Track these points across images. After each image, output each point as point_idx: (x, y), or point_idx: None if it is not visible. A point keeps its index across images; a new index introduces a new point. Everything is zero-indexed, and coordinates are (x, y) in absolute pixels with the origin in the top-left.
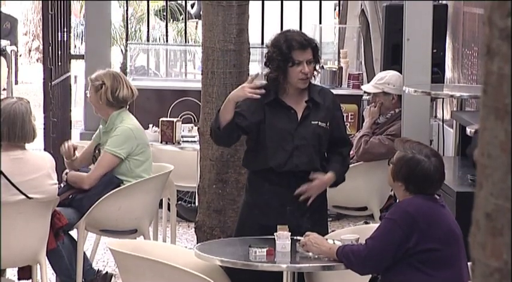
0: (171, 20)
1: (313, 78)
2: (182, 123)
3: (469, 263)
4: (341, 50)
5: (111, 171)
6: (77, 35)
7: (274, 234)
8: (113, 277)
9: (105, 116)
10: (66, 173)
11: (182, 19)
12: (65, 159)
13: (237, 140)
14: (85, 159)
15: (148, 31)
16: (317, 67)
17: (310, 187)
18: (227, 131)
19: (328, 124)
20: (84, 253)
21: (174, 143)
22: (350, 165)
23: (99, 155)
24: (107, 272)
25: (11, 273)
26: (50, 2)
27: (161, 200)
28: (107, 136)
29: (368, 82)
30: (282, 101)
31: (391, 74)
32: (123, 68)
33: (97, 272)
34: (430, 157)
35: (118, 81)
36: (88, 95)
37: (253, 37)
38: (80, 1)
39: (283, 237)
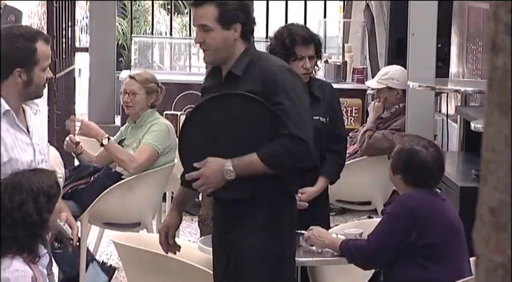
0: (175, 13)
1: (314, 72)
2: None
3: (471, 258)
4: (345, 45)
5: (107, 164)
6: (82, 29)
7: None
8: (117, 270)
9: (137, 116)
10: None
11: (186, 13)
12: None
13: None
14: (102, 158)
15: (152, 24)
16: (318, 63)
17: (302, 204)
18: None
19: (327, 119)
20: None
21: (178, 137)
22: (354, 160)
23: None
24: (110, 265)
25: None
26: None
27: (165, 194)
28: (136, 131)
29: (372, 76)
30: None
31: (394, 69)
32: (127, 61)
33: (101, 263)
34: (428, 148)
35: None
36: (129, 96)
37: (258, 31)
38: None
39: None
